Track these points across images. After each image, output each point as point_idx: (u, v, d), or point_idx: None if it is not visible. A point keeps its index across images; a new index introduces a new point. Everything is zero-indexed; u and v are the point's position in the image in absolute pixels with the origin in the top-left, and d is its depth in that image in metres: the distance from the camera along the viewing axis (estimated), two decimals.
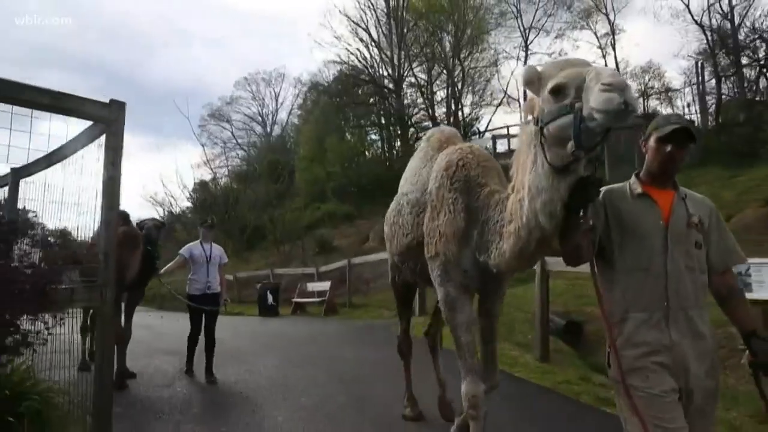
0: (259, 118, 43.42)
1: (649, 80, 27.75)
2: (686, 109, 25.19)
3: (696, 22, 24.30)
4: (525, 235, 2.26)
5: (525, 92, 26.91)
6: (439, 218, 2.85)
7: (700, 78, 24.18)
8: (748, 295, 4.38)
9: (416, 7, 29.00)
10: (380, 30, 30.50)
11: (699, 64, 24.43)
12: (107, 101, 3.68)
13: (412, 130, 29.24)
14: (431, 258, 2.94)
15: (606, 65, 27.50)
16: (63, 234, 3.35)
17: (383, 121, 30.58)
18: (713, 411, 2.09)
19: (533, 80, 2.07)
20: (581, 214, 2.05)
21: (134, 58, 55.74)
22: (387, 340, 7.85)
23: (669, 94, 28.00)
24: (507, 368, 5.36)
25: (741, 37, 23.40)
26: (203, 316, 6.02)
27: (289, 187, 28.58)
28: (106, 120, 3.62)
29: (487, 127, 30.39)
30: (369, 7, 30.06)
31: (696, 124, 22.37)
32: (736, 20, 23.75)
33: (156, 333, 9.20)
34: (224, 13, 58.12)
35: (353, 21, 30.29)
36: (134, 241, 5.62)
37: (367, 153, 29.04)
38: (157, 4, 52.26)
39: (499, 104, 30.26)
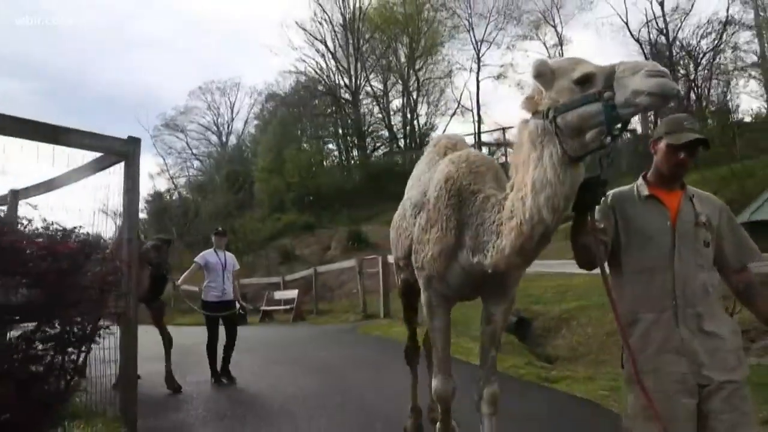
0: (215, 128, 43.40)
1: None
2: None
3: (633, 37, 26.25)
4: (528, 230, 2.29)
5: (478, 102, 28.30)
6: (431, 232, 2.88)
7: None
8: None
9: (372, 20, 30.10)
10: (337, 42, 31.47)
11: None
12: (125, 138, 4.46)
13: (369, 139, 30.26)
14: (417, 268, 3.04)
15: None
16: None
17: (340, 132, 31.47)
18: (744, 404, 2.05)
19: (545, 73, 2.11)
20: (588, 215, 2.14)
21: (80, 64, 54.38)
22: (355, 341, 8.74)
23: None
24: (464, 357, 6.29)
25: (675, 51, 25.45)
26: (219, 322, 6.27)
27: (248, 197, 28.97)
28: (125, 153, 4.37)
29: (443, 133, 31.65)
30: (325, 20, 31.03)
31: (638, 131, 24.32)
32: (671, 36, 25.93)
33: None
34: (175, 21, 57.62)
35: (310, 33, 31.18)
36: (143, 256, 5.76)
37: (324, 163, 29.76)
38: (104, 8, 51.25)
39: (453, 114, 31.64)
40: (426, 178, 3.16)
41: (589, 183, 2.10)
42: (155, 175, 40.96)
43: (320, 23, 31.15)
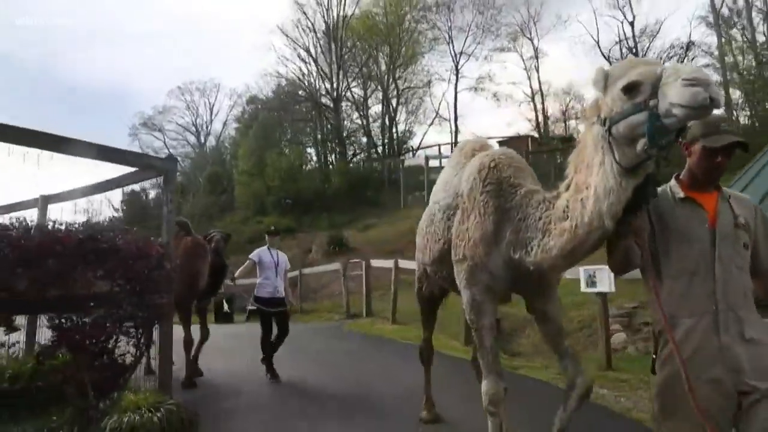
0: (193, 128, 43.90)
1: (570, 101, 31.30)
2: None
3: (604, 56, 27.83)
4: (583, 234, 2.26)
5: (455, 113, 29.39)
6: (468, 221, 2.90)
7: None
8: (592, 290, 6.50)
9: (355, 29, 31.13)
10: (319, 48, 32.41)
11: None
12: (164, 157, 5.40)
13: (349, 146, 31.24)
14: (458, 261, 2.99)
15: (538, 84, 30.69)
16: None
17: (320, 137, 32.36)
18: None
19: (600, 81, 2.09)
20: (634, 215, 2.10)
21: (48, 56, 53.97)
22: (342, 336, 9.72)
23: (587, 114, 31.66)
24: (442, 349, 7.33)
25: None
26: (273, 319, 6.50)
27: (229, 200, 29.61)
28: (164, 170, 5.30)
29: (419, 144, 32.89)
30: (308, 27, 31.96)
31: None
32: (640, 56, 27.55)
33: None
34: (155, 19, 57.65)
35: (292, 39, 32.04)
36: (203, 249, 6.22)
37: (304, 167, 30.59)
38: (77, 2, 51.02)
39: (431, 123, 32.91)
40: (455, 181, 3.18)
41: (649, 181, 2.06)
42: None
43: (303, 30, 32.19)
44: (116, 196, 34.24)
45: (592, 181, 2.19)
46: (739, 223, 2.10)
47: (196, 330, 6.45)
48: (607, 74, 2.09)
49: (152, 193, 38.97)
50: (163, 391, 4.86)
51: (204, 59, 58.40)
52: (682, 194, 2.17)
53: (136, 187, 39.65)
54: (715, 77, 25.09)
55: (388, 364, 7.09)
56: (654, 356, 2.13)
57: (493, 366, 2.92)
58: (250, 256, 6.82)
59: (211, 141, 43.30)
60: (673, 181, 2.24)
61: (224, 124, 42.46)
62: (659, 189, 2.20)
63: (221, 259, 6.40)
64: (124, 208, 35.52)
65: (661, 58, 26.09)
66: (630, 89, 1.97)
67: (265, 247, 6.83)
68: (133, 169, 5.40)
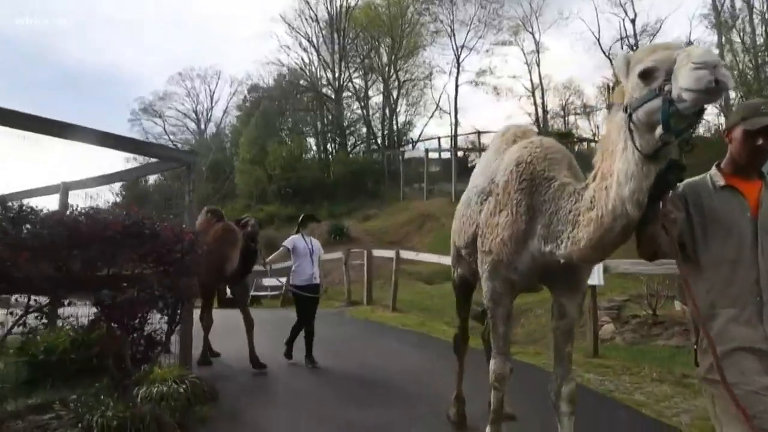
0: (194, 115, 44.07)
1: (569, 96, 31.65)
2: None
3: (605, 54, 28.13)
4: (609, 222, 2.25)
5: (456, 106, 29.73)
6: (500, 216, 2.90)
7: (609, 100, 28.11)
8: None
9: (357, 19, 31.38)
10: (321, 38, 32.65)
11: (610, 87, 28.40)
12: (188, 150, 5.82)
13: (349, 136, 31.60)
14: (483, 252, 3.01)
15: (539, 78, 31.00)
16: None
17: (320, 127, 32.72)
18: None
19: (622, 67, 2.08)
20: (660, 202, 2.05)
21: (52, 39, 53.80)
22: (344, 322, 10.17)
23: (587, 110, 32.08)
24: (441, 336, 7.80)
25: None
26: (307, 306, 6.54)
27: (231, 187, 29.96)
28: (187, 162, 5.71)
29: (419, 136, 33.28)
30: (311, 17, 32.18)
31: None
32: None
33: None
34: (154, 4, 57.55)
35: (294, 28, 32.28)
36: (233, 236, 6.33)
37: (305, 157, 30.93)
38: None
39: (431, 115, 33.27)
40: (495, 166, 3.14)
41: (672, 167, 2.03)
42: (131, 159, 41.75)
43: (306, 19, 32.41)
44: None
45: (615, 168, 2.19)
46: None
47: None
48: (628, 60, 2.08)
49: (151, 179, 39.49)
50: (184, 365, 5.34)
51: (205, 46, 58.33)
52: (722, 182, 2.13)
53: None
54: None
55: (390, 347, 7.52)
56: (695, 347, 2.10)
57: (503, 348, 3.07)
58: (284, 243, 6.87)
59: (211, 128, 43.60)
60: (714, 170, 2.20)
61: (225, 111, 42.67)
62: (699, 178, 2.21)
63: (253, 245, 6.47)
64: (124, 193, 35.87)
65: None
66: (646, 75, 1.97)
67: (299, 235, 6.81)
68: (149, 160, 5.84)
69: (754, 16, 24.60)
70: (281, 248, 6.89)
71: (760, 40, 24.10)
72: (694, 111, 1.86)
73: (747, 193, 2.10)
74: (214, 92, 43.64)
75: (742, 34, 24.77)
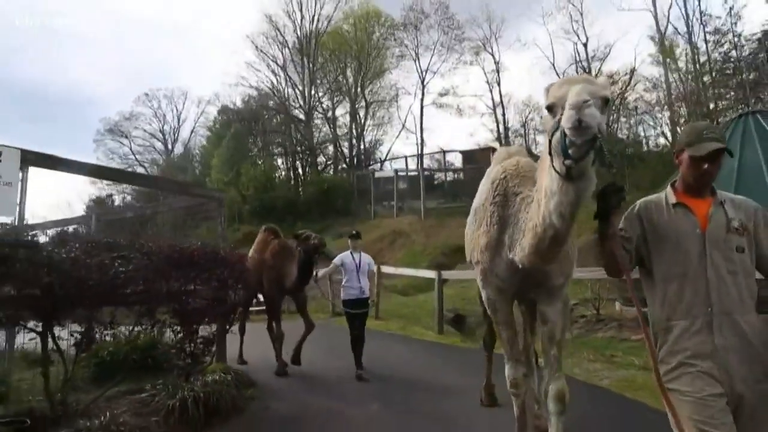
0: (160, 135, 44.72)
1: (529, 113, 33.76)
2: None
3: (560, 78, 30.42)
4: (541, 232, 2.50)
5: (421, 126, 31.51)
6: (480, 229, 3.19)
7: None
8: None
9: (325, 45, 33.09)
10: (291, 59, 34.13)
11: None
12: (218, 189, 7.30)
13: (320, 157, 33.12)
14: (475, 264, 3.31)
15: (499, 96, 32.92)
16: None
17: (289, 148, 34.02)
18: None
19: (543, 98, 2.33)
20: (610, 222, 2.21)
21: (6, 58, 53.44)
22: (332, 331, 11.52)
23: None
24: (419, 336, 9.39)
25: None
26: (358, 315, 6.92)
27: (203, 208, 30.90)
28: (219, 198, 7.19)
29: (387, 154, 35.04)
30: (279, 40, 33.74)
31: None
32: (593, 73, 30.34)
33: None
34: (118, 24, 57.89)
35: (262, 51, 33.71)
36: (289, 251, 7.01)
37: (277, 177, 32.21)
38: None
39: (398, 135, 35.16)
40: (484, 188, 3.41)
41: (607, 190, 2.17)
42: (96, 180, 42.02)
43: (274, 41, 33.95)
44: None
45: (544, 185, 2.47)
46: (732, 228, 2.16)
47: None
48: (546, 92, 2.34)
49: (117, 200, 39.89)
50: (223, 362, 6.74)
51: (170, 66, 58.95)
52: (674, 200, 2.28)
53: (104, 193, 40.75)
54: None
55: (382, 346, 8.97)
56: (654, 355, 2.22)
57: (512, 354, 3.30)
58: (334, 260, 7.26)
59: (179, 148, 44.37)
60: (668, 188, 2.35)
61: (192, 131, 43.55)
62: (655, 196, 2.39)
63: (309, 258, 6.85)
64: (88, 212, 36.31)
65: (611, 77, 29.02)
66: (550, 109, 2.27)
67: (349, 251, 7.16)
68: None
69: (694, 38, 27.24)
70: (331, 265, 7.34)
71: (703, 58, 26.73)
72: (584, 141, 2.07)
73: (697, 209, 2.23)
74: (181, 113, 44.63)
75: (685, 55, 27.47)
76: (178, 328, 5.36)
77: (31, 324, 4.39)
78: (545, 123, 2.38)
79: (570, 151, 2.13)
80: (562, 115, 2.11)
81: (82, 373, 5.93)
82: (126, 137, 43.59)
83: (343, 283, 7.12)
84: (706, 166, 2.17)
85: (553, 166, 2.32)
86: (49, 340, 4.37)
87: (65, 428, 4.21)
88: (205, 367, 5.88)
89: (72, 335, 4.73)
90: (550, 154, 2.33)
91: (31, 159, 5.11)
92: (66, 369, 4.68)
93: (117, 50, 56.24)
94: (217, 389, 5.24)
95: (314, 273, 7.05)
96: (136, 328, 6.00)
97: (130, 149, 43.56)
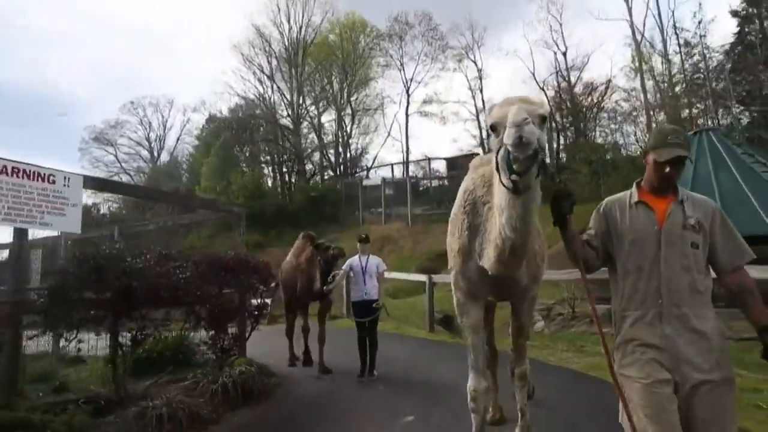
0: (146, 143, 45.27)
1: None
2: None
3: (539, 86, 31.83)
4: (500, 244, 2.69)
5: (406, 134, 32.66)
6: (453, 236, 3.34)
7: (549, 123, 31.33)
8: None
9: (312, 55, 34.15)
10: (278, 68, 35.06)
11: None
12: (237, 204, 8.36)
13: (308, 165, 34.12)
14: (449, 268, 3.46)
15: (482, 102, 33.98)
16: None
17: (276, 158, 35.05)
18: (727, 401, 2.20)
19: (487, 119, 2.51)
20: (567, 226, 2.38)
21: None
22: (330, 332, 12.57)
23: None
24: (413, 333, 10.50)
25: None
26: (365, 322, 7.12)
27: (193, 217, 31.67)
28: (239, 213, 8.23)
29: (373, 162, 36.17)
30: (266, 51, 34.71)
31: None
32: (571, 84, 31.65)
33: None
34: (99, 27, 58.30)
35: (249, 60, 34.58)
36: (316, 258, 7.58)
37: (266, 185, 33.16)
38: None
39: (383, 143, 36.34)
40: (458, 196, 3.52)
41: (557, 197, 2.36)
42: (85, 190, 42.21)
43: (261, 50, 34.89)
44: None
45: (496, 199, 2.66)
46: (688, 225, 2.29)
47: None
48: (489, 112, 2.52)
49: (102, 209, 40.29)
50: (244, 356, 7.77)
51: (154, 73, 59.51)
52: (636, 199, 2.43)
53: (89, 201, 41.17)
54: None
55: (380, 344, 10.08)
56: (613, 348, 2.42)
57: (475, 363, 3.37)
58: (343, 267, 7.60)
59: (165, 156, 44.98)
60: (633, 187, 2.49)
61: (178, 139, 44.21)
62: (620, 195, 2.53)
63: (329, 267, 7.45)
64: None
65: (589, 87, 30.45)
66: (493, 128, 2.43)
67: (357, 255, 7.42)
68: None
69: (669, 47, 28.74)
70: (341, 271, 7.66)
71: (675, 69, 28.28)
72: (526, 156, 2.25)
73: (657, 207, 2.37)
74: (167, 120, 45.25)
75: (661, 63, 28.91)
76: (211, 327, 6.36)
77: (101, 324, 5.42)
78: (491, 143, 2.56)
79: (514, 167, 2.31)
80: (504, 133, 2.29)
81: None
82: (111, 145, 44.13)
83: (351, 285, 7.58)
84: (667, 169, 2.33)
85: (501, 182, 2.51)
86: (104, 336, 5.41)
87: (131, 408, 5.22)
88: (233, 360, 6.91)
89: (129, 332, 5.76)
90: (497, 170, 2.50)
91: (88, 183, 6.13)
92: (125, 361, 5.72)
93: (99, 56, 56.70)
94: (249, 377, 6.29)
95: (329, 281, 7.49)
96: (174, 327, 7.05)
97: (116, 157, 44.11)
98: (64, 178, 5.77)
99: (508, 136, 2.23)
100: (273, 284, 7.24)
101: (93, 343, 7.92)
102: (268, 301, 16.17)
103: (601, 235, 2.51)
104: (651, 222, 2.36)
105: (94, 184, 6.16)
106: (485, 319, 4.34)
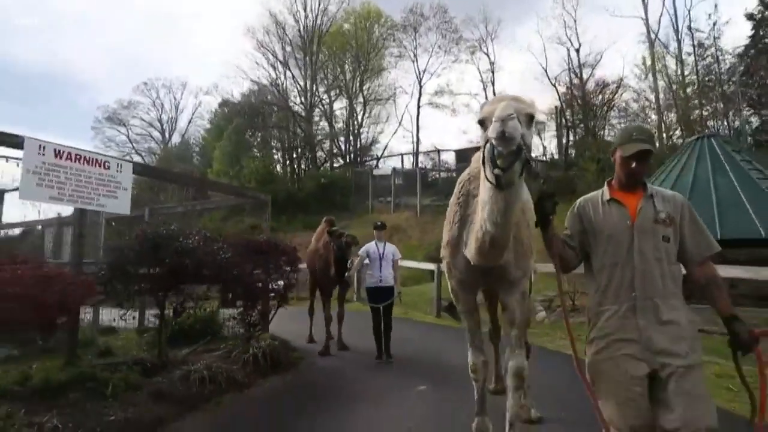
0: (158, 125, 46.06)
1: None
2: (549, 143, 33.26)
3: (552, 84, 32.19)
4: (480, 237, 2.77)
5: (417, 125, 33.25)
6: (446, 227, 3.46)
7: (560, 120, 32.15)
8: None
9: (327, 43, 34.69)
10: (293, 55, 35.66)
11: (557, 110, 32.37)
12: (264, 193, 9.02)
13: (319, 152, 34.79)
14: (442, 258, 3.58)
15: (493, 95, 34.48)
16: None
17: (287, 144, 35.66)
18: (700, 381, 2.29)
19: (479, 114, 2.56)
20: (549, 226, 2.45)
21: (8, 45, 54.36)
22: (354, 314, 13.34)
23: (537, 127, 36.01)
24: (422, 319, 11.23)
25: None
26: (380, 307, 7.33)
27: (199, 198, 32.44)
28: (265, 200, 8.93)
29: (383, 151, 36.80)
30: (281, 38, 35.26)
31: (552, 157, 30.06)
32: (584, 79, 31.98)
33: None
34: (115, 7, 58.82)
35: (263, 45, 35.15)
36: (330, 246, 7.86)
37: (278, 170, 33.87)
38: None
39: (395, 132, 36.97)
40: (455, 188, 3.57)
41: (541, 197, 2.44)
42: None
43: (274, 37, 35.48)
44: None
45: (481, 193, 2.74)
46: (659, 219, 2.39)
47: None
48: (481, 108, 2.61)
49: None
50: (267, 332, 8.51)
51: (169, 56, 60.14)
52: (608, 196, 2.53)
53: None
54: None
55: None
56: (587, 346, 2.48)
57: (472, 342, 3.66)
58: (359, 252, 7.85)
59: (176, 137, 45.77)
60: (605, 186, 2.60)
61: (189, 121, 44.98)
62: (593, 194, 2.64)
63: (342, 253, 7.64)
64: None
65: (601, 84, 30.75)
66: (481, 124, 2.55)
67: (373, 242, 7.61)
68: None
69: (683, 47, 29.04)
70: (358, 258, 8.02)
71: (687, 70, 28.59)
72: (510, 151, 2.35)
73: (629, 203, 2.45)
74: (179, 102, 46.03)
75: (675, 63, 29.24)
76: (245, 303, 7.07)
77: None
78: (481, 137, 2.62)
79: (498, 162, 2.40)
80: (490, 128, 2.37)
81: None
82: (124, 125, 45.06)
83: (367, 271, 7.82)
84: (633, 164, 2.42)
85: (486, 177, 2.60)
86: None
87: (175, 371, 5.95)
88: (259, 334, 7.64)
89: (171, 305, 6.48)
90: (483, 165, 2.60)
91: (138, 170, 6.84)
92: (167, 330, 6.46)
93: (113, 36, 57.29)
94: (274, 349, 7.01)
95: (347, 267, 7.81)
96: (210, 303, 7.74)
97: (128, 137, 45.01)
98: (117, 164, 6.48)
99: (492, 130, 2.33)
100: (300, 265, 7.88)
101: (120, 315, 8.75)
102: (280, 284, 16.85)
103: (578, 234, 2.61)
104: (624, 217, 2.46)
105: (140, 169, 6.84)
106: (490, 303, 4.81)
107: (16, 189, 9.15)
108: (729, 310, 2.34)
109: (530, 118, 2.55)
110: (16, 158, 6.15)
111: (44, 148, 5.66)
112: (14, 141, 5.44)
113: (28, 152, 5.52)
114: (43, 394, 4.73)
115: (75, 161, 5.95)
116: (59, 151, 5.79)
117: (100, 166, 6.25)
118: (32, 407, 4.36)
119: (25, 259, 4.74)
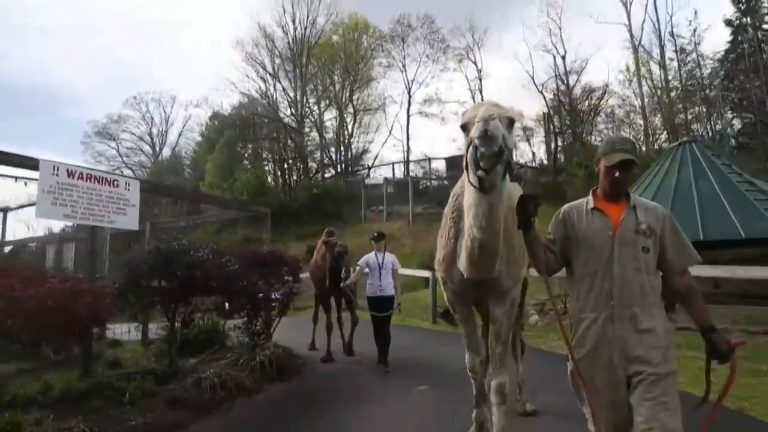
0: (148, 138, 46.13)
1: None
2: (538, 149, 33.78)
3: (538, 90, 32.77)
4: (470, 245, 2.79)
5: (407, 134, 33.72)
6: (441, 240, 3.46)
7: (548, 126, 32.59)
8: None
9: (316, 55, 35.14)
10: (282, 67, 36.04)
11: (545, 116, 32.86)
12: (264, 206, 9.35)
13: (311, 163, 35.13)
14: (437, 270, 3.63)
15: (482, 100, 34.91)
16: None
17: (279, 156, 35.96)
18: (665, 395, 2.31)
19: (461, 120, 2.64)
20: (531, 227, 2.47)
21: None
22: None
23: (526, 133, 36.63)
24: (418, 325, 11.56)
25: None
26: (376, 317, 7.39)
27: (196, 212, 32.67)
28: (265, 213, 9.25)
29: (374, 161, 37.22)
30: (270, 50, 35.64)
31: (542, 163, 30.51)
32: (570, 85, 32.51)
33: None
34: (101, 20, 58.99)
35: (252, 58, 35.50)
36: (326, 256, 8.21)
37: (270, 182, 34.17)
38: None
39: (385, 142, 37.40)
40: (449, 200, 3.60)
41: (523, 199, 2.46)
42: None
43: (263, 49, 35.83)
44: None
45: (466, 199, 2.80)
46: (640, 230, 2.44)
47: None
48: (462, 115, 2.69)
49: None
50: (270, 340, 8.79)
51: (158, 69, 60.38)
52: (592, 205, 2.58)
53: None
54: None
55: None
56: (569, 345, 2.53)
57: (469, 345, 3.76)
58: (359, 263, 7.84)
59: (166, 151, 45.89)
60: (590, 195, 2.65)
61: (180, 135, 45.12)
62: (578, 201, 2.68)
63: (336, 263, 7.94)
64: None
65: (587, 90, 31.30)
66: (463, 128, 2.64)
67: (373, 252, 7.65)
68: None
69: (666, 51, 29.67)
70: (357, 268, 7.95)
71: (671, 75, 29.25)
72: (491, 153, 2.43)
73: (611, 213, 2.51)
74: (169, 116, 46.13)
75: (659, 67, 29.83)
76: (250, 313, 7.39)
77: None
78: (464, 143, 2.68)
79: (481, 163, 2.46)
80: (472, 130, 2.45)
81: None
82: (114, 140, 45.00)
83: (367, 281, 7.77)
84: (617, 174, 2.47)
85: (469, 181, 2.65)
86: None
87: (186, 379, 6.23)
88: (263, 342, 7.93)
89: (179, 316, 6.78)
90: (466, 169, 2.64)
91: (145, 187, 7.15)
92: (176, 340, 6.75)
93: (102, 50, 57.46)
94: (279, 356, 7.31)
95: (343, 277, 7.99)
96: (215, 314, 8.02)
97: (118, 152, 45.00)
98: (126, 183, 6.79)
99: (475, 130, 2.39)
100: (301, 276, 8.21)
101: (124, 329, 9.04)
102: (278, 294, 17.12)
103: (561, 240, 2.65)
104: (606, 227, 2.50)
105: (148, 186, 7.15)
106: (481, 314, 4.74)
107: (20, 207, 9.46)
108: (706, 320, 2.41)
109: (510, 121, 2.64)
110: (24, 177, 6.48)
111: (58, 168, 5.97)
112: (30, 163, 5.74)
113: (44, 173, 5.82)
114: (65, 402, 5.03)
115: (87, 180, 6.25)
116: (72, 171, 6.09)
117: (109, 184, 6.56)
118: (58, 414, 4.65)
119: (54, 274, 5.01)
